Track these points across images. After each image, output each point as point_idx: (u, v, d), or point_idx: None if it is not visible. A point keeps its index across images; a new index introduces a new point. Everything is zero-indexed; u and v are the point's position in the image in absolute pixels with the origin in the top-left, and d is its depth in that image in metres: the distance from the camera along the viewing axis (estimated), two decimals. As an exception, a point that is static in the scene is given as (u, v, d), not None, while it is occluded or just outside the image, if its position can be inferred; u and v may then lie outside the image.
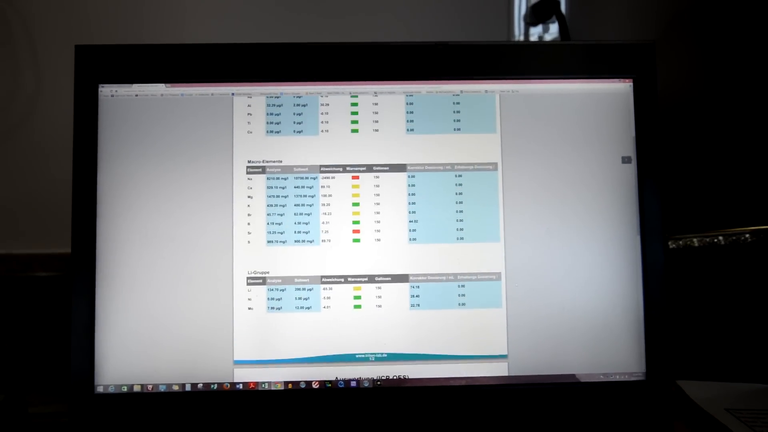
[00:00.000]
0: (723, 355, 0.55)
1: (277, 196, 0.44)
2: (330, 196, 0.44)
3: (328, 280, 0.44)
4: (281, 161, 0.44)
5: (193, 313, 0.43)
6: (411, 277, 0.44)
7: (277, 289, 0.43)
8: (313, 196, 0.44)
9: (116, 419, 0.42)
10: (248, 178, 0.44)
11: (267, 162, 0.44)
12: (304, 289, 0.43)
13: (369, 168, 0.44)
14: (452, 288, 0.44)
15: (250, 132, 0.44)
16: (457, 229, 0.44)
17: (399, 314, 0.43)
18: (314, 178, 0.44)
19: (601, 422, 0.43)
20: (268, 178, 0.44)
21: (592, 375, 0.44)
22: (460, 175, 0.44)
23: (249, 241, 0.43)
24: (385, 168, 0.44)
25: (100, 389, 0.42)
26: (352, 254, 0.44)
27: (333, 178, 0.44)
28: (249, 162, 0.44)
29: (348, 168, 0.44)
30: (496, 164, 0.45)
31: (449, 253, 0.44)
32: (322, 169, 0.44)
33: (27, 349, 0.61)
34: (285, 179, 0.44)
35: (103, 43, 0.44)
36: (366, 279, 0.44)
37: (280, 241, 0.44)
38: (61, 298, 0.61)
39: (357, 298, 0.43)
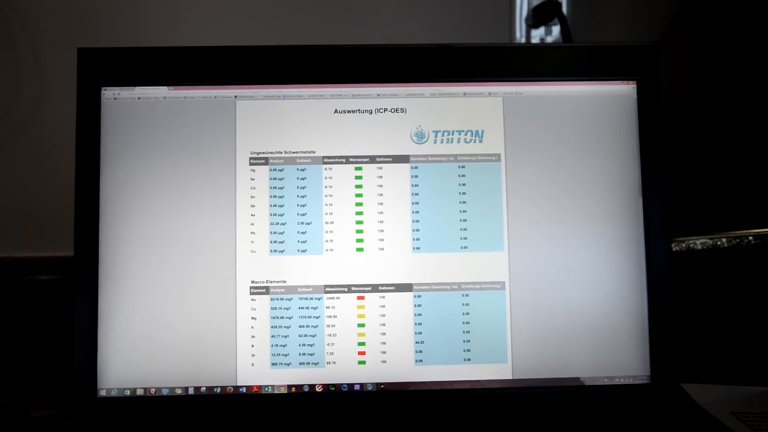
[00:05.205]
0: (727, 358, 0.55)
1: (280, 196, 0.44)
2: (332, 196, 0.44)
3: (332, 289, 0.43)
4: (282, 152, 0.44)
5: (197, 316, 0.43)
6: (414, 287, 0.44)
7: (281, 298, 0.43)
8: (316, 197, 0.44)
9: (119, 423, 0.42)
10: (251, 170, 0.44)
11: (270, 153, 0.44)
12: (308, 298, 0.43)
13: (372, 159, 0.45)
14: (456, 297, 0.44)
15: (252, 130, 0.44)
16: (461, 238, 0.44)
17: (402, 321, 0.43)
18: (317, 172, 0.44)
19: (605, 426, 0.43)
20: (271, 170, 0.44)
21: (596, 378, 0.44)
22: (463, 175, 0.44)
23: (253, 251, 0.43)
24: (388, 159, 0.44)
25: (102, 393, 0.42)
26: (355, 263, 0.44)
27: (332, 177, 0.44)
28: (252, 154, 0.44)
29: (351, 159, 0.45)
30: (499, 158, 0.44)
31: (453, 262, 0.44)
32: (325, 160, 0.44)
33: (30, 352, 0.61)
34: (282, 170, 0.44)
35: (105, 46, 0.44)
36: (369, 288, 0.44)
37: (280, 251, 0.44)
38: (63, 302, 0.61)
39: (361, 307, 0.43)
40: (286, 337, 0.43)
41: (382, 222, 0.44)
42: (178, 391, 0.42)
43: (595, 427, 0.43)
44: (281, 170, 0.44)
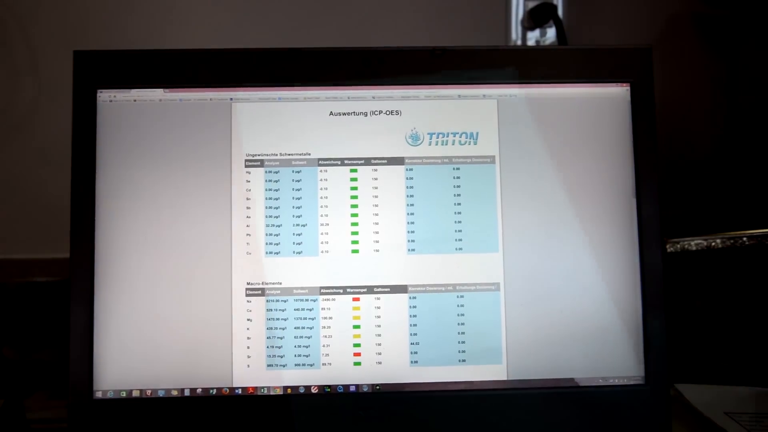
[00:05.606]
0: (722, 359, 0.55)
1: (276, 198, 0.44)
2: (327, 198, 0.44)
3: (327, 290, 0.44)
4: (277, 154, 0.44)
5: (193, 318, 0.43)
6: (410, 288, 0.44)
7: (277, 300, 0.43)
8: (312, 197, 0.44)
9: (115, 424, 0.42)
10: (247, 172, 0.44)
11: (265, 155, 0.44)
12: (303, 299, 0.43)
13: (367, 161, 0.45)
14: (451, 298, 0.44)
15: (248, 132, 0.44)
16: (456, 240, 0.44)
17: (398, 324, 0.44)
18: (313, 174, 0.44)
19: (600, 426, 0.43)
20: (266, 172, 0.44)
21: (591, 379, 0.44)
22: (458, 177, 0.45)
23: (248, 252, 0.44)
24: (383, 161, 0.45)
25: (98, 394, 0.42)
26: (350, 265, 0.44)
27: (327, 179, 0.44)
28: (247, 156, 0.44)
29: (346, 161, 0.45)
30: (494, 160, 0.45)
31: (448, 264, 0.44)
32: (320, 162, 0.44)
33: (26, 354, 0.61)
34: (278, 172, 0.44)
35: (101, 48, 0.45)
36: (365, 290, 0.44)
37: (276, 252, 0.44)
38: (60, 304, 0.61)
39: (356, 309, 0.44)
40: (281, 338, 0.43)
41: (377, 224, 0.44)
42: (174, 393, 0.42)
43: (589, 428, 0.43)
44: (277, 172, 0.44)
